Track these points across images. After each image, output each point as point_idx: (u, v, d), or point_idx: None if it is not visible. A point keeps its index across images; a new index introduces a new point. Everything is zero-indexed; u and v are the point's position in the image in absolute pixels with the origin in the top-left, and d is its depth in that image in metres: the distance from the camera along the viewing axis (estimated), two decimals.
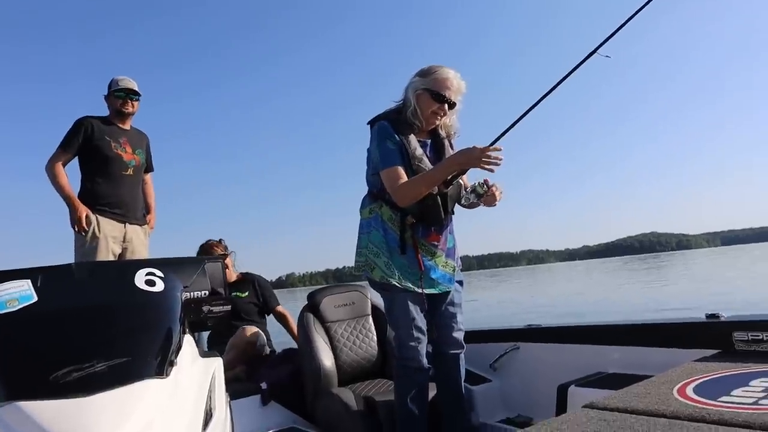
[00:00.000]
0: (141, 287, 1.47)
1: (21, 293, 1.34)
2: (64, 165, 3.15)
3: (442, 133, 2.28)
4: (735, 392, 1.37)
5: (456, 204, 2.27)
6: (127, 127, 3.34)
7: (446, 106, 2.16)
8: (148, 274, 1.51)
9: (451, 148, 2.28)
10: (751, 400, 1.29)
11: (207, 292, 1.71)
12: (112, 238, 3.13)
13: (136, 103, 3.32)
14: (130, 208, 3.27)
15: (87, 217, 3.04)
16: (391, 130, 2.13)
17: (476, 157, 1.97)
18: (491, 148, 1.98)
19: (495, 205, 2.16)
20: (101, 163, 3.17)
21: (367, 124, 2.25)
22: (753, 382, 1.45)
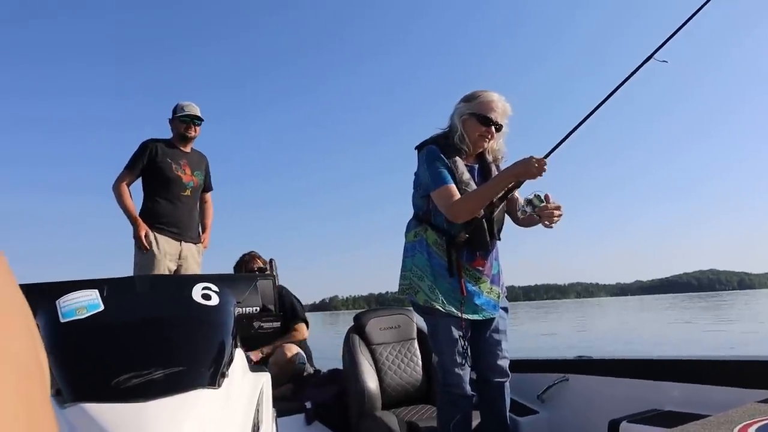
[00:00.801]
0: (197, 301, 1.53)
1: (89, 302, 1.43)
2: (128, 185, 3.36)
3: (489, 157, 2.29)
4: None
5: (513, 221, 2.27)
6: (188, 149, 3.52)
7: (493, 128, 2.17)
8: (204, 288, 1.58)
9: (498, 171, 2.29)
10: None
11: (258, 309, 1.77)
12: (169, 255, 3.29)
13: (198, 128, 3.51)
14: (187, 227, 3.43)
15: (146, 236, 3.22)
16: (439, 153, 2.16)
17: (533, 166, 1.96)
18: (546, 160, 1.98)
19: (553, 225, 2.03)
20: (162, 184, 3.36)
21: (415, 149, 2.29)
22: None
